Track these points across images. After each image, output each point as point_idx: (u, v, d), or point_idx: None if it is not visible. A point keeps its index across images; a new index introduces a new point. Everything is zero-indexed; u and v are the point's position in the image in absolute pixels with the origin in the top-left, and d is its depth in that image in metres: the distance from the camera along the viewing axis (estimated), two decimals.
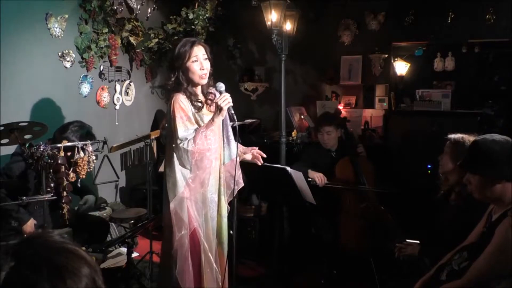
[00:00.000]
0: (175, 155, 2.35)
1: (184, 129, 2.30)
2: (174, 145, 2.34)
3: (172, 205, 2.35)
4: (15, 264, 0.87)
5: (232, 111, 2.33)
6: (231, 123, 2.53)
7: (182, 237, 2.35)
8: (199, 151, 2.29)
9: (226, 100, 2.27)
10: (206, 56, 2.39)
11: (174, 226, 2.36)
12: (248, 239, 3.93)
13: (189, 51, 2.34)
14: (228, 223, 2.59)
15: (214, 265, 2.45)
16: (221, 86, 2.38)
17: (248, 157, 2.61)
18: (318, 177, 3.36)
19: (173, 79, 2.39)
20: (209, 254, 2.42)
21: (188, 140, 2.28)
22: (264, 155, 2.63)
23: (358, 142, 3.82)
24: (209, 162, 2.37)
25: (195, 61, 2.35)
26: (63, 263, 0.87)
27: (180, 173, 2.36)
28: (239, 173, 2.50)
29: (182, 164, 2.35)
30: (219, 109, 2.28)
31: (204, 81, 2.40)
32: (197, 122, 2.39)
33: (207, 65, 2.39)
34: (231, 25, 5.06)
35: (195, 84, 2.41)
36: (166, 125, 2.52)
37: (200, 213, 2.40)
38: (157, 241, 3.65)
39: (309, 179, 3.34)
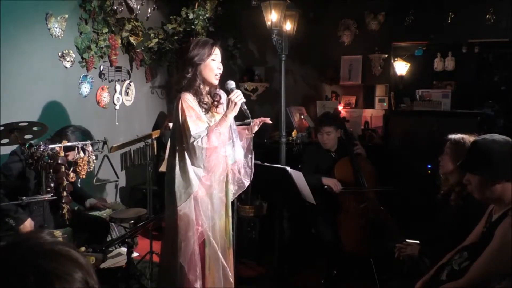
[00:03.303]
0: (186, 155, 2.34)
1: (195, 127, 2.30)
2: (185, 145, 2.33)
3: (182, 207, 2.33)
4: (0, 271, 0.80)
5: (245, 107, 2.36)
6: (241, 121, 2.56)
7: (191, 238, 2.33)
8: (213, 148, 2.30)
9: (239, 96, 2.32)
10: (221, 59, 2.46)
11: (182, 227, 2.33)
12: (248, 239, 3.93)
13: (211, 49, 2.40)
14: None
15: (225, 265, 2.43)
16: (232, 83, 2.42)
17: (255, 128, 2.58)
18: (334, 184, 3.37)
19: (189, 74, 2.39)
20: (219, 254, 2.41)
21: (202, 137, 2.27)
22: (268, 119, 2.62)
23: (355, 139, 3.82)
24: (222, 159, 2.38)
25: (214, 60, 2.41)
26: (53, 268, 0.81)
27: (194, 173, 2.35)
28: (248, 172, 2.49)
29: (194, 163, 2.34)
30: (233, 104, 2.31)
31: (217, 81, 2.45)
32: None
33: (221, 66, 2.46)
34: (231, 25, 5.05)
35: (207, 84, 2.44)
36: (170, 124, 2.52)
37: (209, 214, 2.39)
38: (157, 241, 3.65)
39: (325, 186, 3.37)
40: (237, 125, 2.57)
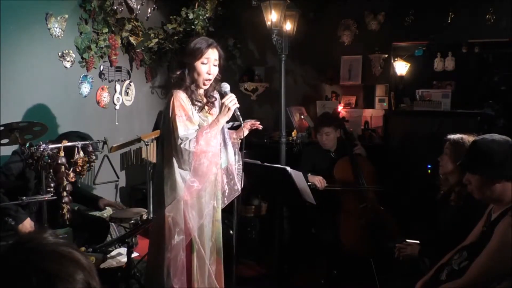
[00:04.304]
0: (174, 156, 2.26)
1: (184, 128, 2.21)
2: (172, 146, 2.24)
3: (168, 209, 2.24)
4: (1, 273, 0.80)
5: (238, 112, 2.26)
6: (232, 123, 2.51)
7: (178, 243, 2.25)
8: (201, 152, 2.20)
9: (233, 101, 2.22)
10: (217, 62, 2.33)
11: (169, 231, 2.25)
12: (248, 239, 3.93)
13: (202, 51, 2.26)
14: (228, 223, 2.58)
15: (211, 272, 2.36)
16: (226, 86, 2.32)
17: (245, 132, 2.48)
18: (318, 181, 3.38)
19: (178, 73, 2.31)
20: (206, 260, 2.34)
21: (190, 140, 2.18)
22: (258, 123, 2.52)
23: (355, 140, 3.82)
24: (211, 164, 2.27)
25: (204, 63, 2.28)
26: (55, 270, 0.81)
27: (180, 175, 2.26)
28: (237, 178, 2.41)
29: (181, 166, 2.26)
30: (226, 109, 2.20)
31: (206, 86, 2.34)
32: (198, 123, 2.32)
33: (214, 70, 2.32)
34: (231, 25, 5.05)
35: (197, 86, 2.34)
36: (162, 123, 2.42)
37: (197, 219, 2.30)
38: None
39: (309, 183, 3.35)
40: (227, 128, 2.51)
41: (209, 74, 2.30)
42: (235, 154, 2.45)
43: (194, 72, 2.29)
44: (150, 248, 2.45)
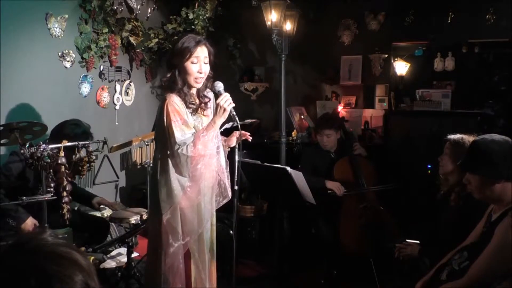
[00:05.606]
0: (170, 162, 2.19)
1: (180, 133, 2.13)
2: (169, 152, 2.18)
3: (166, 217, 2.19)
4: (0, 274, 0.80)
5: (234, 112, 2.19)
6: (232, 123, 2.48)
7: (175, 251, 2.20)
8: (199, 156, 2.14)
9: (228, 101, 2.14)
10: (207, 60, 2.24)
11: (166, 238, 2.20)
12: (248, 239, 3.93)
13: (191, 49, 2.17)
14: (228, 223, 2.57)
15: (206, 280, 2.32)
16: (220, 85, 2.23)
17: (233, 141, 2.39)
18: (337, 188, 3.37)
19: (168, 75, 2.24)
20: (201, 270, 2.29)
21: (187, 145, 2.11)
22: (248, 134, 2.42)
23: (355, 140, 3.82)
24: (209, 168, 2.20)
25: (194, 62, 2.19)
26: (54, 271, 0.81)
27: (177, 181, 2.19)
28: (228, 184, 2.30)
29: (179, 172, 2.19)
30: (222, 110, 2.13)
31: (199, 85, 2.27)
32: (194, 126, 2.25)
33: (205, 68, 2.23)
34: (231, 25, 5.05)
35: (190, 86, 2.26)
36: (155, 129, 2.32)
37: (195, 226, 2.23)
38: None
39: (329, 191, 3.37)
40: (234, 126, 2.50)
41: (200, 73, 2.21)
42: (225, 161, 2.35)
43: (184, 72, 2.21)
44: (148, 251, 2.41)
